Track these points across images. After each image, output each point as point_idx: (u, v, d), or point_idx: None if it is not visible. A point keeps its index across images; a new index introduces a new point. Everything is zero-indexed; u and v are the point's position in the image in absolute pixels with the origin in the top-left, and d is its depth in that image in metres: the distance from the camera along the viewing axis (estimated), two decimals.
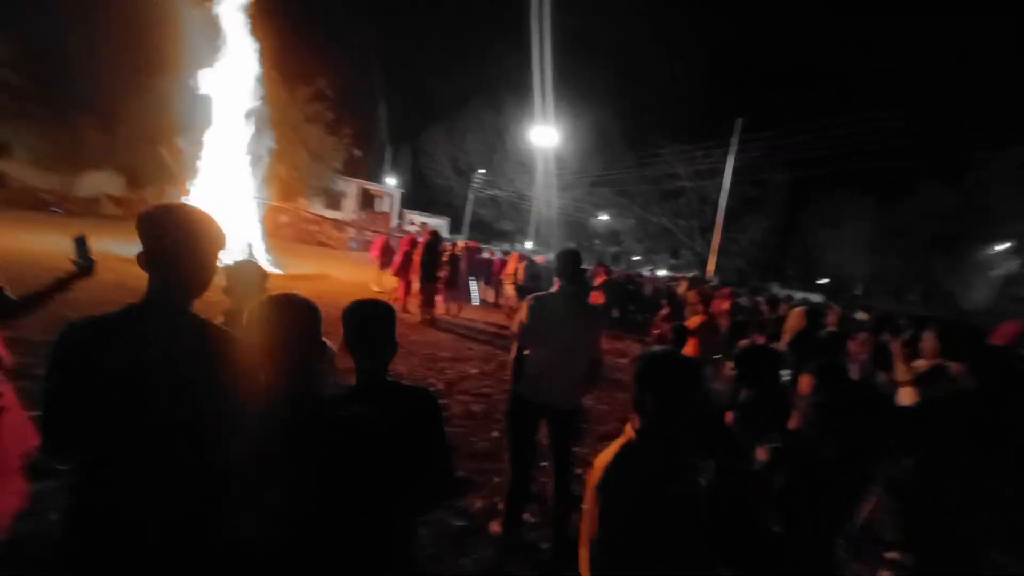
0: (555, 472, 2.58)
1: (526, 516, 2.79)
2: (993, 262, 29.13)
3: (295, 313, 1.25)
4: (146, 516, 1.12)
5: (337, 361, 2.00)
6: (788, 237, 36.19)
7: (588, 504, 1.32)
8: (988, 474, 1.98)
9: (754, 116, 21.69)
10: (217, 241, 1.29)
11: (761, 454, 1.84)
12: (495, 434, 4.02)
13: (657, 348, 1.45)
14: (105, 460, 1.13)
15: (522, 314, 2.57)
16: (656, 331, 6.51)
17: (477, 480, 3.23)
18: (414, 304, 8.89)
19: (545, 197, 34.89)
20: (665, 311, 6.46)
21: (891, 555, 2.83)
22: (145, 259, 1.22)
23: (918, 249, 30.74)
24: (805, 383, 1.95)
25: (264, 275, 2.27)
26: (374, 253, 12.25)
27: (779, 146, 24.94)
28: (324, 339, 2.07)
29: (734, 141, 21.10)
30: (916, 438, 2.10)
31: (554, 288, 2.68)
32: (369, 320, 1.47)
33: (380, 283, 11.34)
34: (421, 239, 9.21)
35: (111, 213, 22.56)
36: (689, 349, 6.27)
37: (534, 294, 2.64)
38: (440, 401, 4.71)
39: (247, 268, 2.24)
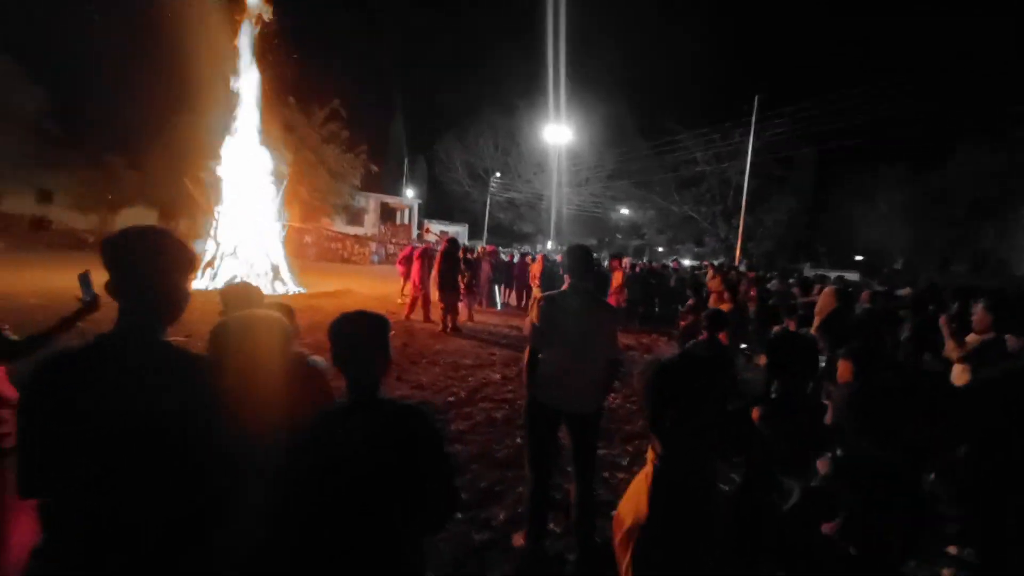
0: (577, 478, 2.46)
1: (551, 525, 2.68)
2: None
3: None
4: (126, 557, 1.07)
5: (329, 378, 1.94)
6: (818, 215, 34.85)
7: (620, 551, 1.15)
8: None
9: (773, 92, 20.99)
10: (185, 264, 1.24)
11: (822, 466, 1.64)
12: (518, 440, 3.92)
13: (664, 355, 1.24)
14: (78, 504, 1.09)
15: (533, 315, 2.47)
16: (683, 323, 6.30)
17: (499, 490, 3.13)
18: (436, 314, 8.88)
19: (562, 195, 34.63)
20: (691, 302, 6.23)
21: (952, 549, 2.59)
22: (112, 286, 1.18)
23: (961, 215, 29.04)
24: (844, 370, 1.78)
25: (260, 296, 2.24)
26: (400, 265, 12.33)
27: (801, 120, 24.05)
28: (316, 356, 2.03)
29: (753, 120, 20.40)
30: (972, 422, 1.89)
31: (564, 286, 2.54)
32: (358, 333, 1.40)
33: (404, 295, 11.40)
34: (439, 248, 9.21)
35: None
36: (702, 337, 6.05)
37: (545, 293, 2.53)
38: (463, 409, 4.62)
39: (242, 290, 2.21)
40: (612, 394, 2.76)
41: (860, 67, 49.47)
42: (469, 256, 10.02)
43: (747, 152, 21.27)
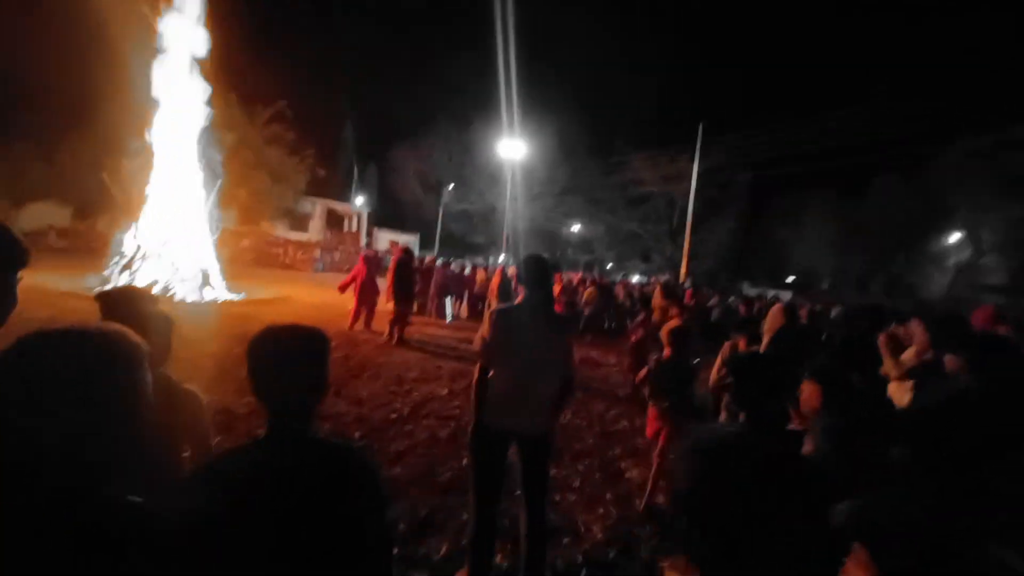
0: (527, 504, 2.23)
1: (497, 558, 2.44)
2: (948, 252, 30.47)
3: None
4: None
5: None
6: (754, 237, 37.13)
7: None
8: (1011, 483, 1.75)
9: (715, 120, 22.20)
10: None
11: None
12: (464, 462, 3.66)
13: (706, 429, 1.23)
14: None
15: (484, 329, 2.25)
16: (633, 337, 6.29)
17: (440, 519, 2.86)
18: (381, 324, 8.47)
19: (515, 208, 34.81)
20: (641, 317, 6.24)
21: None
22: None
23: (877, 244, 31.91)
24: (810, 394, 1.68)
25: (146, 302, 1.84)
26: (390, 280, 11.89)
27: (740, 148, 25.62)
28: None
29: (698, 146, 21.47)
30: (924, 447, 1.87)
31: (518, 299, 2.35)
32: (285, 353, 1.08)
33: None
34: (392, 256, 8.87)
35: (57, 246, 21.38)
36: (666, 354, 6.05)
37: (498, 306, 2.33)
38: (405, 427, 4.25)
39: (122, 295, 1.81)
40: (559, 415, 2.60)
41: (796, 96, 53.81)
42: (417, 265, 9.68)
43: (691, 175, 22.29)
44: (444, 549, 2.57)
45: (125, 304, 1.73)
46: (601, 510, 3.18)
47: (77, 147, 21.43)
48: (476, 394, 2.25)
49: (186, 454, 1.56)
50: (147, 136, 12.13)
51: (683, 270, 22.59)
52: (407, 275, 8.37)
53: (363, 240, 35.22)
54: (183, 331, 7.24)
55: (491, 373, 2.25)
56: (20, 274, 0.97)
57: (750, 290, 28.49)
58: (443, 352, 7.72)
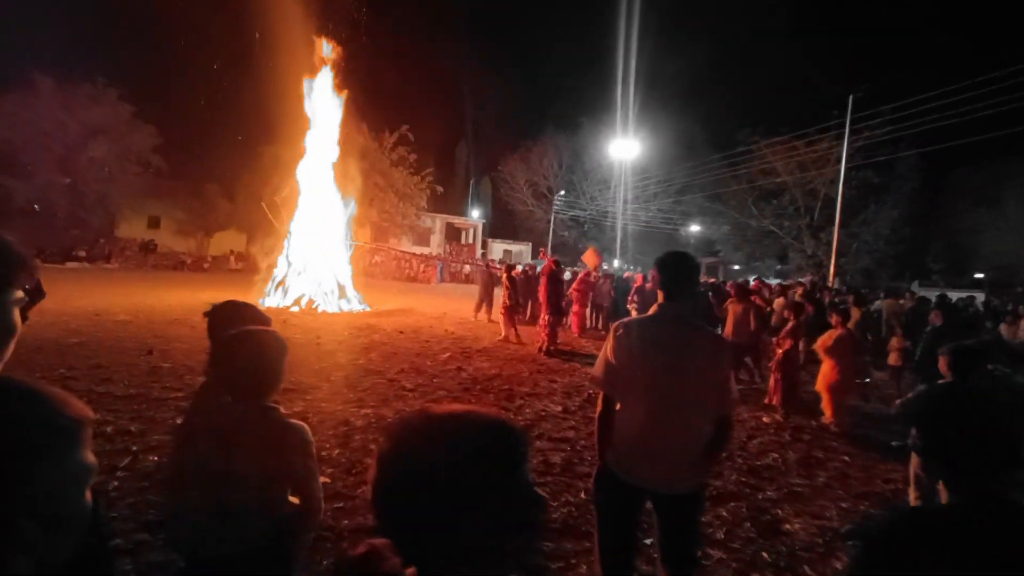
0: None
1: None
2: None
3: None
4: None
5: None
6: (928, 226, 30.75)
7: None
8: None
9: (866, 92, 18.80)
10: None
11: None
12: (582, 496, 3.22)
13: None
14: None
15: (607, 350, 1.78)
16: (781, 349, 5.29)
17: (556, 569, 2.45)
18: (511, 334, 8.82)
19: (629, 211, 33.43)
20: (791, 325, 5.20)
21: None
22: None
23: None
24: None
25: (255, 314, 1.79)
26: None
27: (904, 119, 21.31)
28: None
29: (848, 121, 18.31)
30: None
31: (652, 309, 1.83)
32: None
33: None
34: (542, 268, 9.23)
35: (236, 268, 25.59)
36: (828, 372, 4.96)
37: (624, 320, 1.84)
38: None
39: (232, 310, 1.76)
40: (712, 468, 1.98)
41: (973, 53, 43.94)
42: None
43: (837, 159, 19.15)
44: None
45: (232, 322, 1.65)
46: None
47: (248, 182, 25.51)
48: (599, 432, 1.80)
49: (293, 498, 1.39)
50: (296, 171, 13.92)
51: (832, 269, 19.43)
52: (558, 287, 8.53)
53: (478, 251, 36.62)
54: (321, 340, 7.88)
55: (618, 406, 1.79)
56: (18, 294, 0.79)
57: (919, 291, 23.39)
58: (555, 365, 7.36)
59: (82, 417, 0.52)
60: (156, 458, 3.32)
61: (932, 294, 12.73)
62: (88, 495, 0.53)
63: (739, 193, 31.39)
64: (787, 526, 3.09)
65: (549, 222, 37.83)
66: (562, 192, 38.41)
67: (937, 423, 0.93)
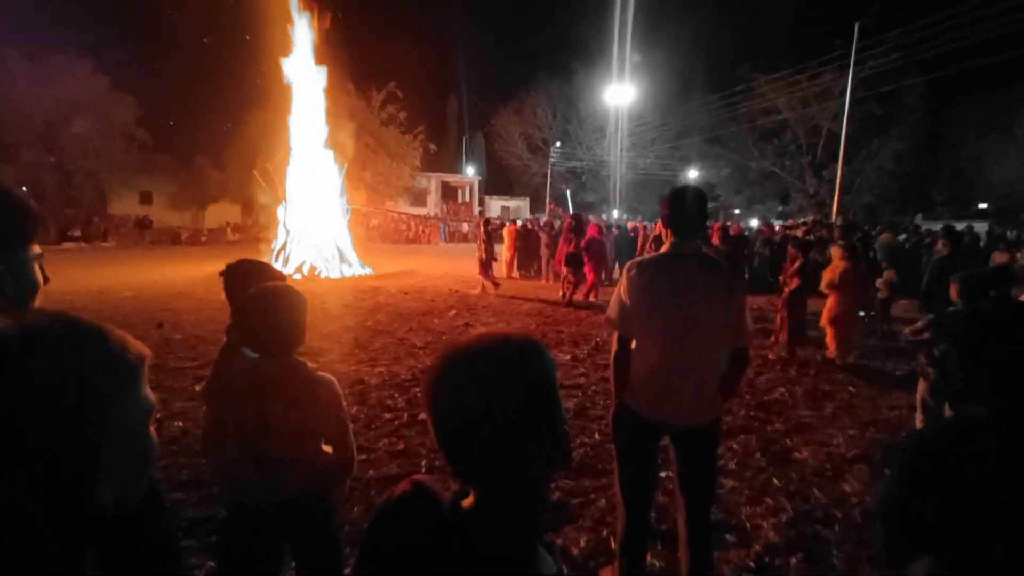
0: (686, 509, 1.78)
1: (649, 559, 2.08)
2: None
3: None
4: None
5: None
6: (933, 158, 30.04)
7: None
8: None
9: (874, 16, 17.85)
10: None
11: None
12: (596, 437, 3.33)
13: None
14: None
15: (621, 289, 1.77)
16: (788, 288, 5.31)
17: (577, 504, 2.57)
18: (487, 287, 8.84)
19: (626, 159, 32.68)
20: (798, 263, 5.19)
21: None
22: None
23: None
24: None
25: (270, 271, 1.78)
26: (508, 246, 12.31)
27: (910, 45, 20.35)
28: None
29: (853, 50, 17.49)
30: None
31: (664, 247, 1.81)
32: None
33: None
34: (561, 223, 9.36)
35: (232, 239, 25.41)
36: (833, 306, 5.00)
37: (636, 259, 1.82)
38: None
39: (248, 267, 1.75)
40: (730, 400, 2.02)
41: None
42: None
43: (840, 92, 18.49)
44: (583, 541, 2.28)
45: (248, 279, 1.64)
46: (770, 501, 2.62)
47: (238, 151, 24.88)
48: (615, 372, 1.82)
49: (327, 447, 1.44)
50: (287, 134, 13.53)
51: (835, 207, 19.18)
52: (579, 241, 8.63)
53: (475, 209, 36.17)
54: (327, 305, 7.94)
55: (633, 344, 1.80)
56: (36, 249, 0.79)
57: (923, 223, 23.13)
58: (563, 318, 7.42)
59: (144, 354, 0.54)
60: (181, 423, 3.42)
61: (936, 226, 12.64)
62: (153, 431, 0.56)
63: (739, 134, 30.56)
64: (796, 455, 3.20)
65: (546, 175, 37.13)
66: (558, 143, 37.45)
67: (986, 344, 0.93)
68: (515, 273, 12.30)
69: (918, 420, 3.27)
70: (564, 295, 8.36)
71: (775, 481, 2.83)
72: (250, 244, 19.82)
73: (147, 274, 11.57)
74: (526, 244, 12.43)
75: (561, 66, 37.96)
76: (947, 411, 2.93)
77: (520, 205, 40.27)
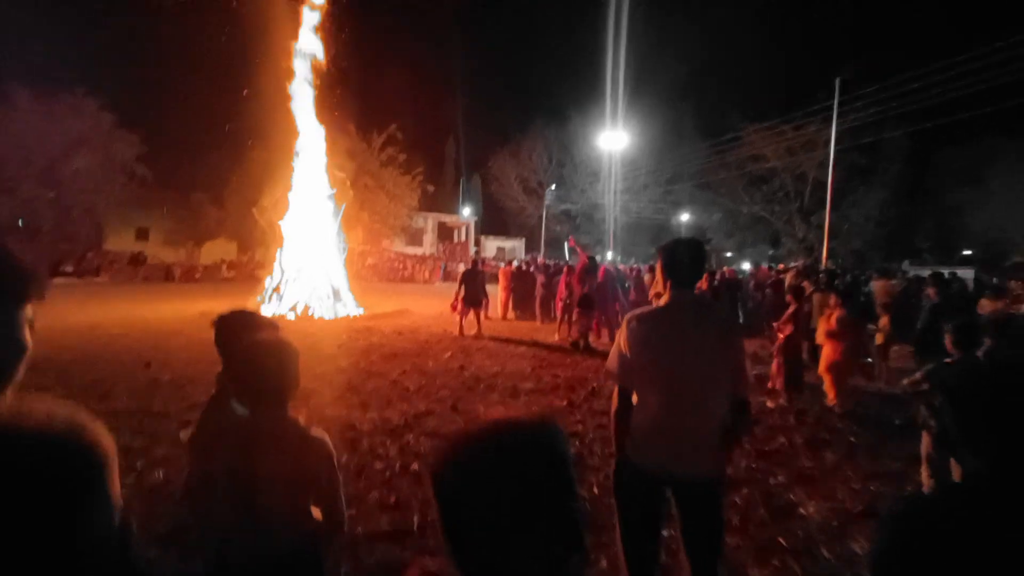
0: (692, 571, 1.71)
1: None
2: None
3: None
4: None
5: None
6: (917, 207, 31.00)
7: None
8: None
9: (853, 71, 18.89)
10: None
11: None
12: (596, 491, 3.22)
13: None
14: None
15: (620, 342, 1.77)
16: (783, 334, 5.31)
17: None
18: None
19: (620, 203, 33.46)
20: (792, 309, 5.22)
21: None
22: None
23: None
24: None
25: (262, 321, 1.75)
26: (503, 287, 12.36)
27: (889, 100, 21.43)
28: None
29: (836, 104, 18.40)
30: None
31: (664, 299, 1.82)
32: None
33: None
34: (575, 262, 9.38)
35: (228, 276, 25.33)
36: (830, 354, 4.99)
37: (636, 311, 1.83)
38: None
39: (240, 319, 1.72)
40: (732, 452, 1.98)
41: (953, 32, 44.27)
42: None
43: (825, 142, 19.30)
44: None
45: (240, 331, 1.61)
46: (776, 562, 2.51)
47: (237, 189, 25.19)
48: (616, 428, 1.78)
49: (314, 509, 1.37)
50: (289, 175, 13.78)
51: (824, 252, 19.57)
52: (591, 283, 8.67)
53: (471, 249, 36.53)
54: (320, 346, 7.82)
55: (634, 397, 1.77)
56: (28, 311, 0.73)
57: (912, 269, 23.60)
58: (558, 361, 7.35)
59: (111, 446, 0.51)
60: (162, 473, 3.27)
61: (923, 272, 12.87)
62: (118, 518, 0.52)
63: (729, 180, 31.55)
64: (801, 509, 3.10)
65: (541, 217, 37.78)
66: (553, 186, 38.35)
67: (978, 400, 0.91)
68: (511, 314, 12.28)
69: (923, 475, 3.20)
70: (576, 338, 8.25)
71: (781, 540, 2.72)
72: (244, 282, 19.76)
73: (138, 311, 11.43)
74: (522, 284, 12.48)
75: (557, 112, 39.54)
76: (953, 465, 2.87)
77: (516, 245, 40.73)
